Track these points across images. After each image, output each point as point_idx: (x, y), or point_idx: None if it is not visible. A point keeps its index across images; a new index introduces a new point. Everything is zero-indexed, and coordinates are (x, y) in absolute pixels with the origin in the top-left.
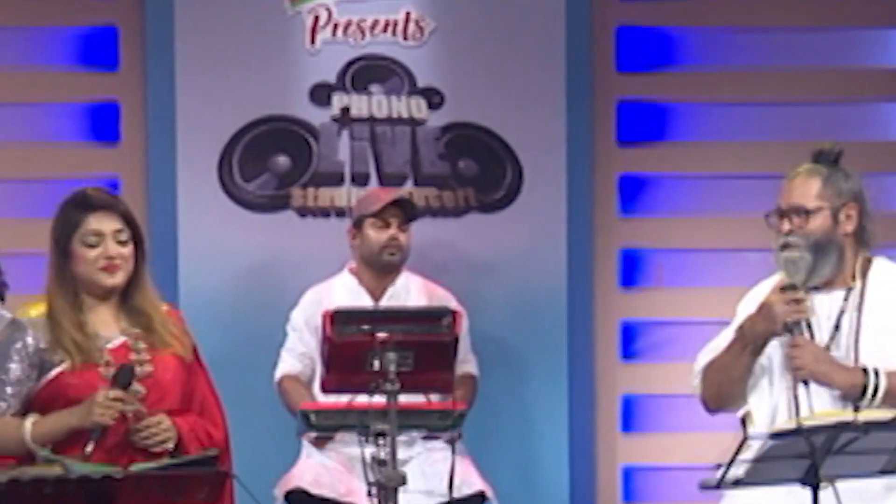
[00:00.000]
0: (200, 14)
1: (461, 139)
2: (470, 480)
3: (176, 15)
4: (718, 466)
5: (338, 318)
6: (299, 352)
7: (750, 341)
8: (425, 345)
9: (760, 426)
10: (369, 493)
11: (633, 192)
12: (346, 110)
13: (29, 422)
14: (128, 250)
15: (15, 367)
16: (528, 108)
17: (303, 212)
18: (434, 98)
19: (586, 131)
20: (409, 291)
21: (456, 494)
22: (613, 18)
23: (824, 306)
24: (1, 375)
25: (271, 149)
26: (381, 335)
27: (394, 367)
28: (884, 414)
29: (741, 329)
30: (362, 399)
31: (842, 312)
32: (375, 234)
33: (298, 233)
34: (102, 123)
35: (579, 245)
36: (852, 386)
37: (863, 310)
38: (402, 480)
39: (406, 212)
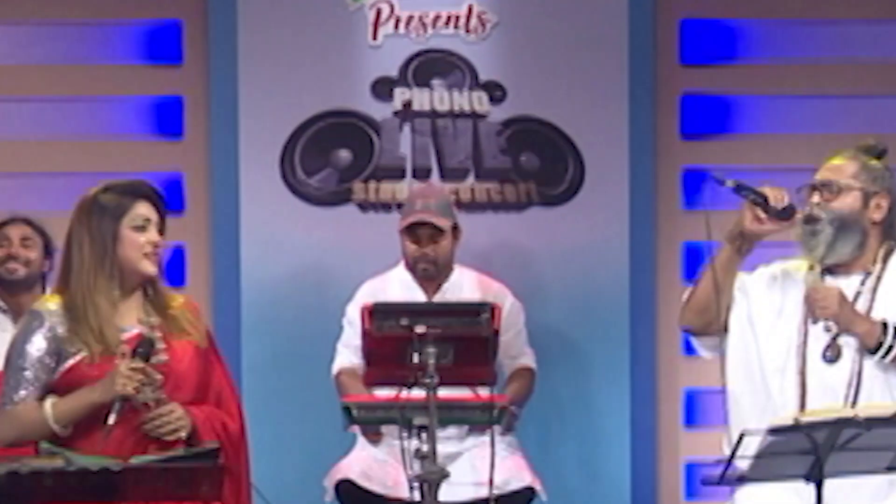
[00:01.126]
0: (263, 9)
1: (523, 133)
2: (519, 475)
3: (239, 10)
4: (719, 462)
5: (376, 313)
6: (355, 345)
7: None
8: (464, 339)
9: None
10: (411, 487)
11: (696, 185)
12: (407, 104)
13: (49, 404)
14: (163, 243)
15: (34, 355)
16: (591, 101)
17: (364, 206)
18: (496, 92)
19: (649, 124)
20: (463, 286)
21: (504, 489)
22: (677, 11)
23: (847, 288)
24: (21, 362)
25: (333, 143)
26: (419, 329)
27: (433, 360)
28: (885, 410)
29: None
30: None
31: (858, 295)
32: (409, 247)
33: (359, 227)
34: (166, 118)
35: (642, 239)
36: (870, 336)
37: (877, 292)
38: (442, 474)
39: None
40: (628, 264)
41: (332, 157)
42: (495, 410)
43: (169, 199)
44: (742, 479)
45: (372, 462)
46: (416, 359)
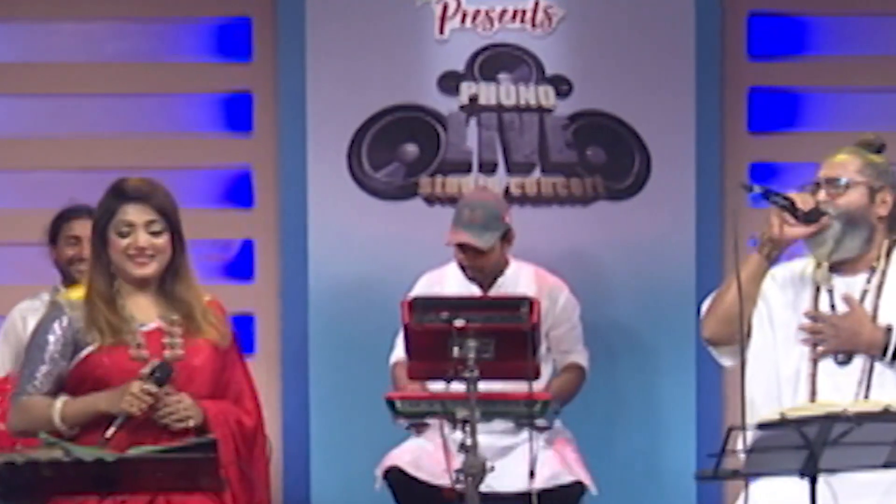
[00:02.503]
0: (331, 5)
1: (589, 127)
2: (569, 469)
3: (307, 6)
4: (711, 456)
5: (416, 307)
6: None
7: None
8: (503, 333)
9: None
10: (456, 480)
11: (764, 181)
12: (474, 99)
13: (59, 402)
14: (161, 241)
15: (51, 348)
16: (657, 95)
17: (430, 200)
18: (562, 86)
19: (716, 119)
20: (519, 280)
21: (553, 483)
22: (745, 5)
23: (847, 289)
24: (38, 354)
25: (400, 137)
26: (458, 323)
27: (473, 355)
28: (875, 405)
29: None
30: (454, 386)
31: (864, 294)
32: (457, 254)
33: (426, 221)
34: (236, 114)
35: (709, 234)
36: (875, 348)
37: (883, 290)
38: (483, 468)
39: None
40: (694, 259)
41: (398, 151)
42: (537, 405)
43: (238, 194)
44: (736, 475)
45: (422, 451)
46: (456, 353)
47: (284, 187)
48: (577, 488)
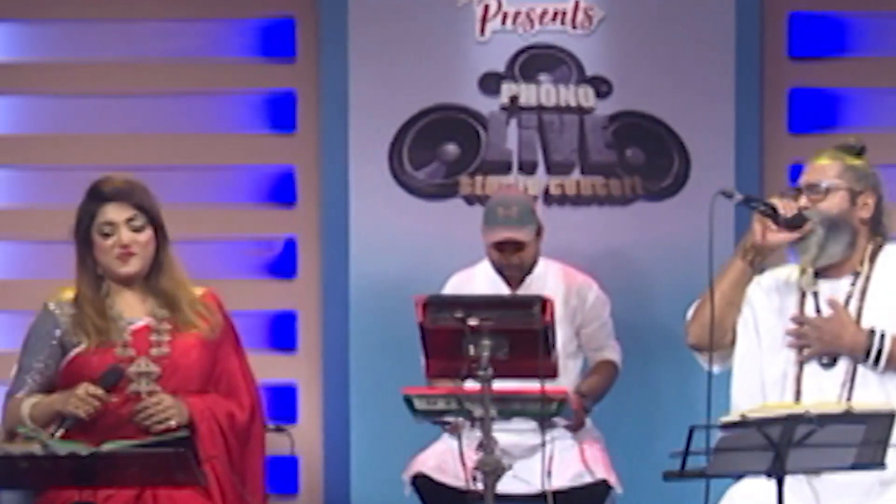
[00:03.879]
0: (374, 5)
1: (629, 127)
2: (594, 468)
3: (350, 6)
4: (673, 456)
5: (430, 305)
6: None
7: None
8: (517, 332)
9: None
10: (474, 479)
11: None
12: (514, 99)
13: (28, 404)
14: (144, 236)
15: (41, 351)
16: (697, 96)
17: (471, 199)
18: (602, 87)
19: (756, 119)
20: (548, 279)
21: (578, 482)
22: (785, 4)
23: (832, 292)
24: (29, 357)
25: (441, 137)
26: (472, 322)
27: (487, 353)
28: (836, 407)
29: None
30: (469, 384)
31: (849, 297)
32: (493, 254)
33: (466, 220)
34: (279, 112)
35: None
36: (857, 350)
37: (867, 294)
38: (499, 466)
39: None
40: None
41: (439, 151)
42: (553, 404)
43: (281, 192)
44: (702, 474)
45: (447, 455)
46: (471, 351)
47: (326, 186)
48: (602, 487)
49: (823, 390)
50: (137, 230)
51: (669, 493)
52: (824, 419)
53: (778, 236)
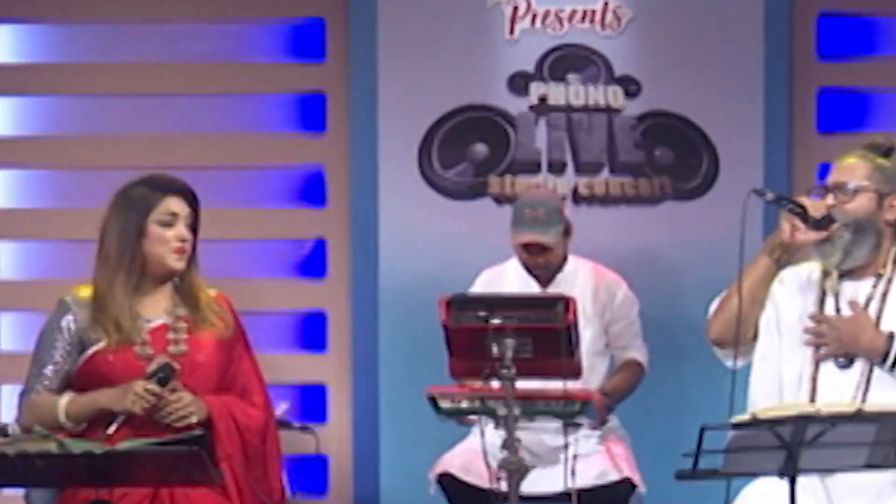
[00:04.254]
0: (402, 6)
1: (657, 127)
2: (617, 467)
3: (379, 7)
4: (685, 456)
5: (453, 305)
6: None
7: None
8: (539, 332)
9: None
10: (498, 479)
11: None
12: (543, 99)
13: (64, 400)
14: (192, 237)
15: (58, 347)
16: (726, 96)
17: (500, 199)
18: (631, 87)
19: (784, 119)
20: (577, 276)
21: (601, 481)
22: (814, 5)
23: (854, 293)
24: (46, 353)
25: (470, 137)
26: (495, 322)
27: (510, 353)
28: (848, 407)
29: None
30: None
31: (869, 299)
32: (520, 254)
33: (495, 220)
34: (309, 113)
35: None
36: (875, 353)
37: (888, 297)
38: (521, 466)
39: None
40: None
41: (468, 151)
42: (576, 404)
43: (310, 192)
44: (715, 474)
45: (473, 455)
46: (495, 351)
47: (356, 186)
48: (626, 486)
49: (839, 390)
50: (189, 229)
51: (699, 493)
52: (835, 419)
53: (806, 236)
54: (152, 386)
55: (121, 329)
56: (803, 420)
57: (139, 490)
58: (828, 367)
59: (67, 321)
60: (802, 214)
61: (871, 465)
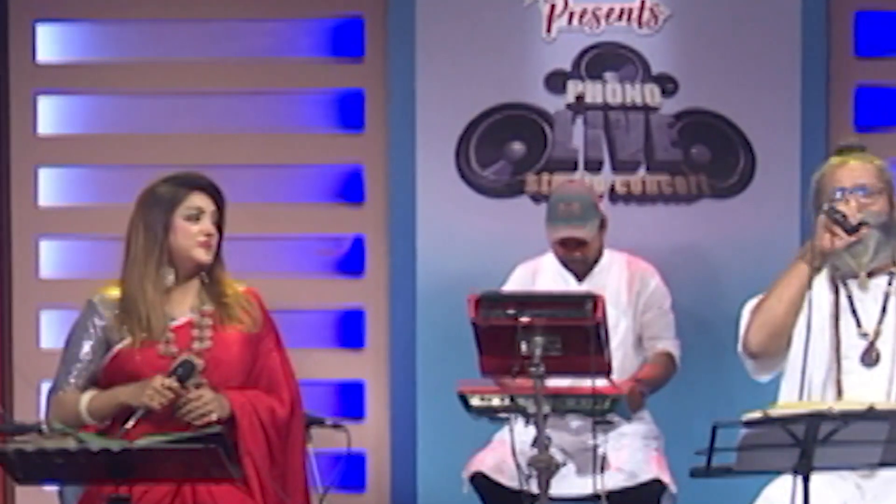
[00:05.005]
0: (441, 5)
1: (694, 126)
2: (647, 467)
3: (417, 6)
4: (699, 454)
5: (483, 302)
6: None
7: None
8: (569, 329)
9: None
10: (528, 476)
11: None
12: (580, 97)
13: (87, 397)
14: (217, 233)
15: (85, 347)
16: (763, 94)
17: (537, 197)
18: (668, 85)
19: (822, 117)
20: (612, 269)
21: (632, 481)
22: (852, 3)
23: (872, 290)
24: (73, 352)
25: (507, 135)
26: (524, 319)
27: (540, 350)
28: (860, 405)
29: (801, 251)
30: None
31: (887, 296)
32: (557, 249)
33: (533, 218)
34: (348, 111)
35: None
36: None
37: None
38: (551, 464)
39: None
40: None
41: (506, 149)
42: (606, 401)
43: (349, 190)
44: (729, 472)
45: (505, 455)
46: (524, 348)
47: (394, 184)
48: (656, 486)
49: (867, 388)
50: (215, 225)
51: (738, 492)
52: (848, 417)
53: (843, 241)
54: (170, 381)
55: (148, 327)
56: (816, 418)
57: (162, 486)
58: (854, 367)
59: (94, 321)
60: (843, 221)
61: (885, 463)
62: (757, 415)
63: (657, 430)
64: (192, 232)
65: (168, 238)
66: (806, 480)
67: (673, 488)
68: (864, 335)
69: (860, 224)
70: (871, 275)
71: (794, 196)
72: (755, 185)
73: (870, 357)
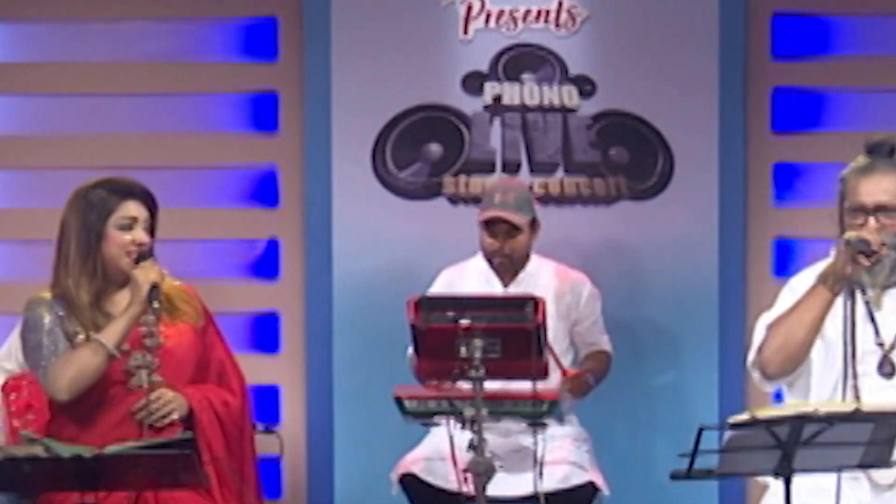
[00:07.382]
0: (356, 5)
1: (612, 127)
2: (580, 470)
3: (332, 7)
4: (682, 456)
5: (422, 306)
6: None
7: (831, 283)
8: (509, 332)
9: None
10: (465, 480)
11: (787, 181)
12: (498, 99)
13: (101, 336)
14: (150, 240)
15: (50, 329)
16: (681, 95)
17: (454, 199)
18: (586, 86)
19: (739, 119)
20: (540, 276)
21: (565, 484)
22: (769, 5)
23: (887, 304)
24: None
25: (424, 137)
26: (464, 323)
27: (479, 354)
28: (845, 406)
29: (822, 275)
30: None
31: None
32: (485, 240)
33: (450, 220)
34: (262, 113)
35: (731, 233)
36: None
37: None
38: (489, 467)
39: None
40: (717, 258)
41: (423, 151)
42: (544, 405)
43: (264, 193)
44: (710, 474)
45: (437, 456)
46: (463, 352)
47: (310, 186)
48: (590, 489)
49: (883, 392)
50: (147, 232)
51: (660, 495)
52: (833, 418)
53: (862, 265)
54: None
55: (97, 326)
56: (800, 420)
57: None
58: (871, 378)
59: (56, 311)
60: (867, 249)
61: (863, 465)
62: (744, 417)
63: (585, 433)
64: (123, 242)
65: (100, 246)
66: (787, 482)
67: (605, 491)
68: (881, 344)
69: (882, 244)
70: (884, 288)
71: (712, 197)
72: (673, 186)
73: (886, 367)
